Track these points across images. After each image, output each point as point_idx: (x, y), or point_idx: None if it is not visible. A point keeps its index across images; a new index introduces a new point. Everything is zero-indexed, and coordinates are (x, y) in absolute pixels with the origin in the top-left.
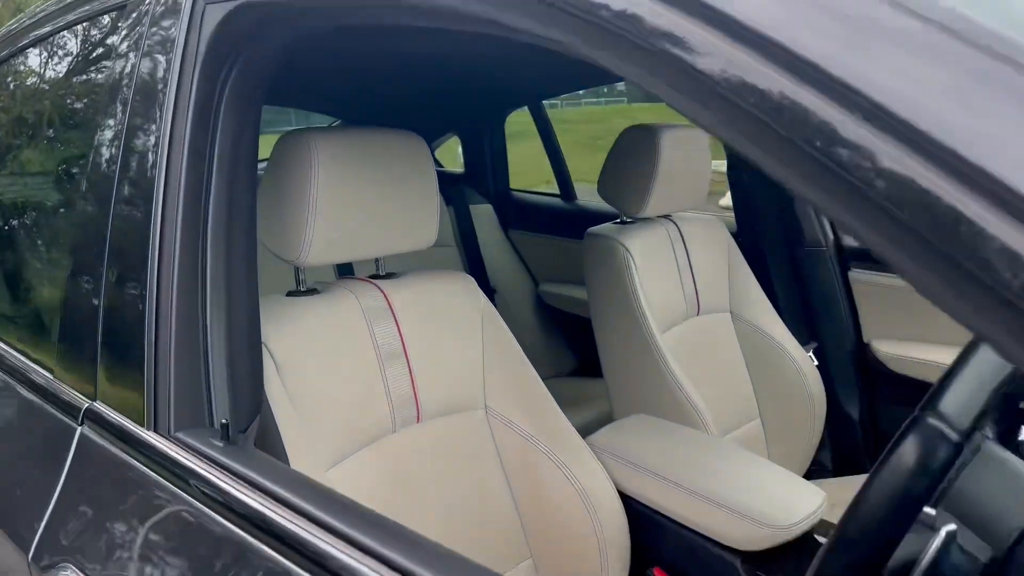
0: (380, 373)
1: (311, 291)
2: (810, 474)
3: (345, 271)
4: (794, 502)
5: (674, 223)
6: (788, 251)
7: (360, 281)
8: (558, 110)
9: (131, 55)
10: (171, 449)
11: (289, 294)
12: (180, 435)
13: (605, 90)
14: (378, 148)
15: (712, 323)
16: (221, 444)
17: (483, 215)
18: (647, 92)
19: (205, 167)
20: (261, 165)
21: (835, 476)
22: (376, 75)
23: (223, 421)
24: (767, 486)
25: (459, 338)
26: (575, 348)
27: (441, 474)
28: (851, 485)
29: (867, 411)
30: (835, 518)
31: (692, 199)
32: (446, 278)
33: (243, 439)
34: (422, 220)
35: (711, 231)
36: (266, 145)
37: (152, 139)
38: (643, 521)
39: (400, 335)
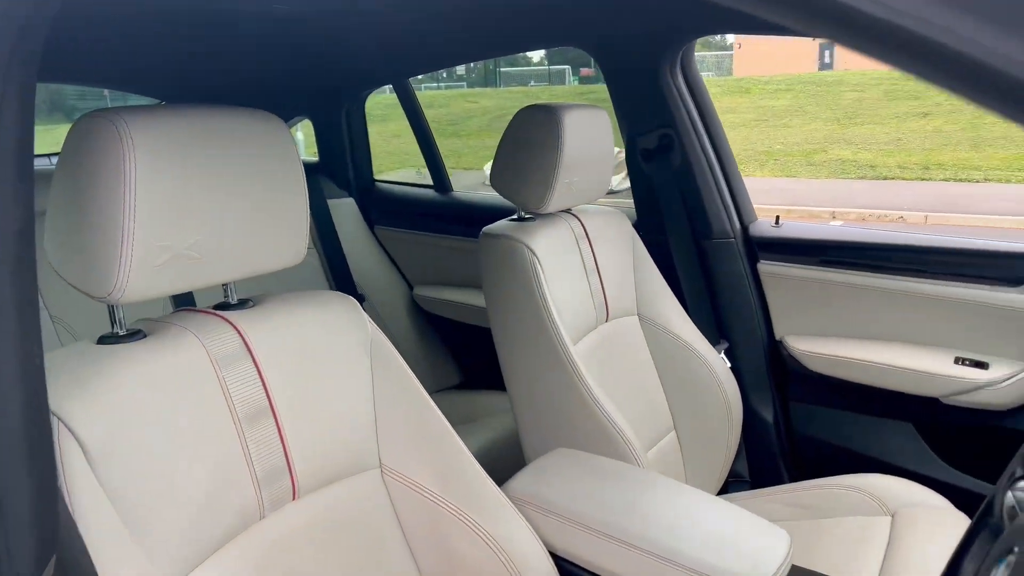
0: (239, 440)
1: (134, 334)
2: (727, 487)
3: (184, 301)
4: (762, 552)
5: (576, 217)
6: (694, 243)
7: (204, 315)
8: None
9: None
10: None
11: (101, 340)
12: None
13: (444, 74)
14: (221, 133)
15: (622, 329)
16: None
17: (344, 210)
18: None
19: None
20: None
21: (754, 488)
22: (204, 44)
23: None
24: (728, 535)
25: (342, 380)
26: (459, 358)
27: (329, 560)
28: (775, 500)
29: (782, 413)
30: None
31: (598, 189)
32: (319, 301)
33: None
34: (288, 228)
35: (614, 225)
36: None
37: None
38: None
39: (264, 385)
